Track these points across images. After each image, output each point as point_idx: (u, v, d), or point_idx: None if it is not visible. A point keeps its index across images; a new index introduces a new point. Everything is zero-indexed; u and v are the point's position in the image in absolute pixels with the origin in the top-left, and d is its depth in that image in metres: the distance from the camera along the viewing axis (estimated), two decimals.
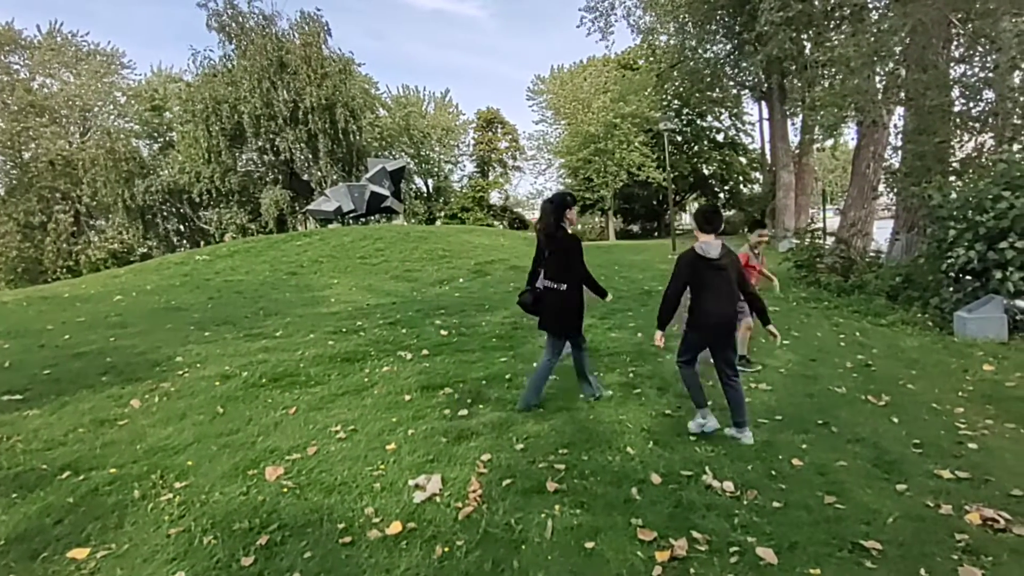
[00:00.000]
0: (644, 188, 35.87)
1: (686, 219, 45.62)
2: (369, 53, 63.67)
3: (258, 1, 36.73)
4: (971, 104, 11.34)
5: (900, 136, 12.99)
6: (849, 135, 26.32)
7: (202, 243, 31.46)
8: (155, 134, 37.89)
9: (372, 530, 2.99)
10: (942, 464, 3.73)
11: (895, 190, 12.76)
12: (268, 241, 18.16)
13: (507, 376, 5.64)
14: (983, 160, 10.78)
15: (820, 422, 4.49)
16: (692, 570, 2.64)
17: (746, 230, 6.61)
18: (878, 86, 13.00)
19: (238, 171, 32.06)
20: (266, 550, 2.86)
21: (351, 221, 22.74)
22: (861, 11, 14.54)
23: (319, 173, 30.83)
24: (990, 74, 10.77)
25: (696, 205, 41.82)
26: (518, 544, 2.85)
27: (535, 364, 6.01)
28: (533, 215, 51.38)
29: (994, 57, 10.63)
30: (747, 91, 29.76)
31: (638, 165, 33.27)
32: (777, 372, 5.92)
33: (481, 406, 4.85)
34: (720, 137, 38.94)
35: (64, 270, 30.91)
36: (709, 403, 4.22)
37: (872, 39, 12.19)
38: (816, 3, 16.49)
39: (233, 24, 30.19)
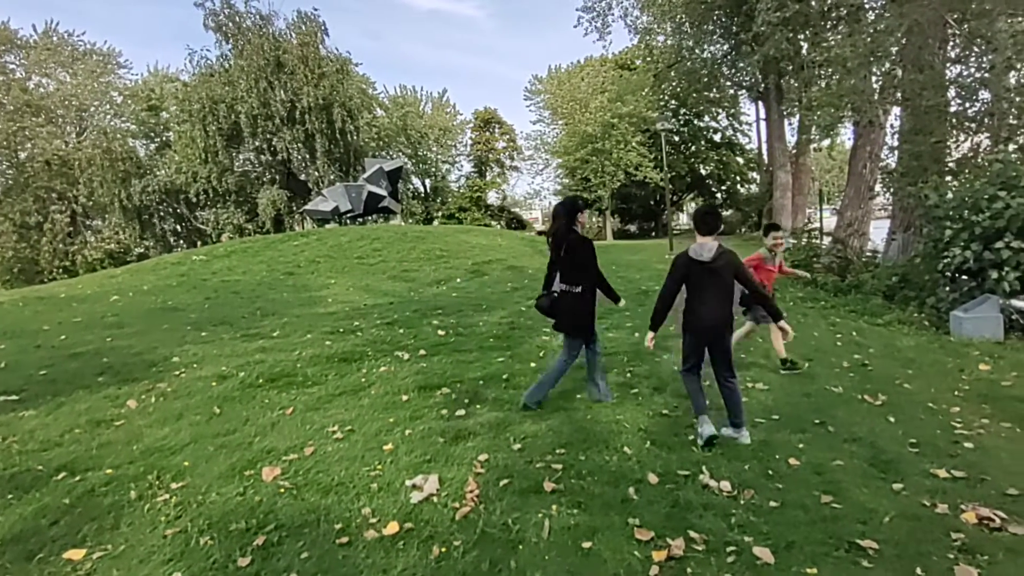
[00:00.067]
0: (641, 188, 35.93)
1: (683, 219, 45.75)
2: (366, 53, 63.90)
3: (255, 1, 36.57)
4: (967, 104, 11.38)
5: (896, 136, 13.04)
6: (846, 135, 26.34)
7: (199, 243, 31.41)
8: (152, 134, 37.82)
9: (369, 530, 2.98)
10: (938, 463, 3.74)
11: (891, 190, 12.78)
12: (265, 241, 18.12)
13: (504, 376, 5.63)
14: (979, 160, 10.82)
15: (817, 422, 4.49)
16: (689, 570, 2.64)
17: (760, 233, 6.63)
18: (874, 86, 13.03)
19: (235, 171, 31.98)
20: (263, 551, 2.85)
21: (348, 221, 22.70)
22: (858, 11, 14.56)
23: (316, 173, 30.79)
24: (986, 74, 10.80)
25: (694, 205, 41.94)
26: (515, 544, 2.86)
27: (532, 364, 6.04)
28: (531, 215, 51.50)
29: (990, 57, 10.65)
30: (744, 91, 29.82)
31: (635, 165, 33.30)
32: (774, 372, 5.92)
33: (478, 406, 4.85)
34: (717, 137, 39.03)
35: (60, 270, 30.83)
36: (710, 407, 4.16)
37: (868, 39, 12.21)
38: (813, 3, 16.51)
39: (230, 24, 30.14)
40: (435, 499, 3.29)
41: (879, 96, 12.80)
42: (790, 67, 21.43)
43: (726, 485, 3.39)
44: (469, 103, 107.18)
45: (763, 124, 29.50)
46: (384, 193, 23.05)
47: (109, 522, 3.19)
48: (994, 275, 7.99)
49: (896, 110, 13.25)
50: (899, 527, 2.97)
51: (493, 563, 2.71)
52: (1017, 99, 10.29)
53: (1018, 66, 10.21)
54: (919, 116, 11.50)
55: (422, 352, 6.59)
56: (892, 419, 4.65)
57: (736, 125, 38.39)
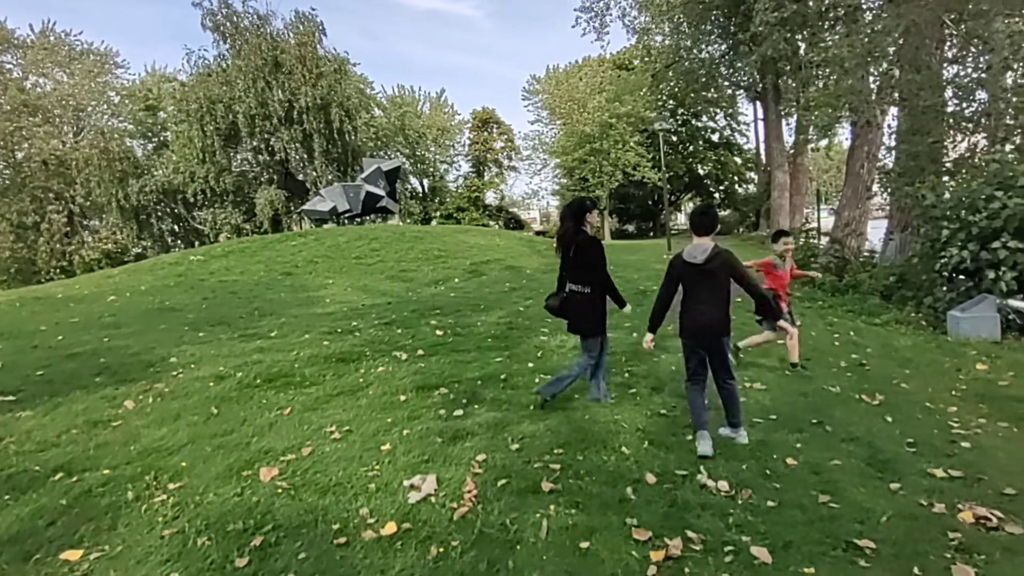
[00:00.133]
0: (639, 188, 35.93)
1: (681, 219, 45.72)
2: (364, 53, 63.88)
3: (253, 1, 36.49)
4: (964, 104, 11.42)
5: (894, 136, 13.08)
6: (843, 135, 26.42)
7: (197, 243, 31.37)
8: (149, 134, 37.76)
9: (367, 531, 2.98)
10: (935, 463, 3.75)
11: (889, 190, 12.82)
12: (263, 241, 18.11)
13: (502, 376, 5.63)
14: (976, 160, 10.85)
15: (814, 421, 4.50)
16: (687, 569, 2.64)
17: (769, 240, 6.65)
18: (872, 86, 13.06)
19: (233, 171, 31.95)
20: (260, 551, 2.85)
21: (346, 221, 22.69)
22: (855, 12, 14.59)
23: (314, 173, 30.77)
24: (983, 75, 10.84)
25: (692, 205, 41.96)
26: (513, 544, 2.85)
27: (530, 364, 6.04)
28: (529, 215, 51.49)
29: (987, 58, 10.69)
30: (742, 91, 29.85)
31: (633, 165, 33.30)
32: (771, 371, 5.93)
33: (476, 406, 4.85)
34: (715, 137, 39.04)
35: (58, 270, 30.77)
36: (708, 408, 4.12)
37: (866, 40, 12.24)
38: (810, 4, 16.54)
39: (228, 24, 30.11)
40: (433, 499, 3.29)
41: (876, 96, 12.83)
42: (788, 67, 21.47)
43: (724, 485, 3.39)
44: (467, 103, 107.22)
45: (761, 124, 29.56)
46: (382, 193, 23.04)
47: (106, 523, 3.18)
48: (991, 275, 8.02)
49: (894, 110, 13.29)
50: (896, 527, 2.97)
51: (491, 563, 2.70)
52: (1014, 99, 10.32)
53: (1015, 66, 10.25)
54: (916, 116, 11.54)
55: (420, 352, 6.59)
56: (889, 419, 4.66)
57: (734, 125, 38.42)
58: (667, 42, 26.43)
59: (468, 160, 48.32)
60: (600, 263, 4.61)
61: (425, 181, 46.63)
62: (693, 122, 37.87)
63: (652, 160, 32.94)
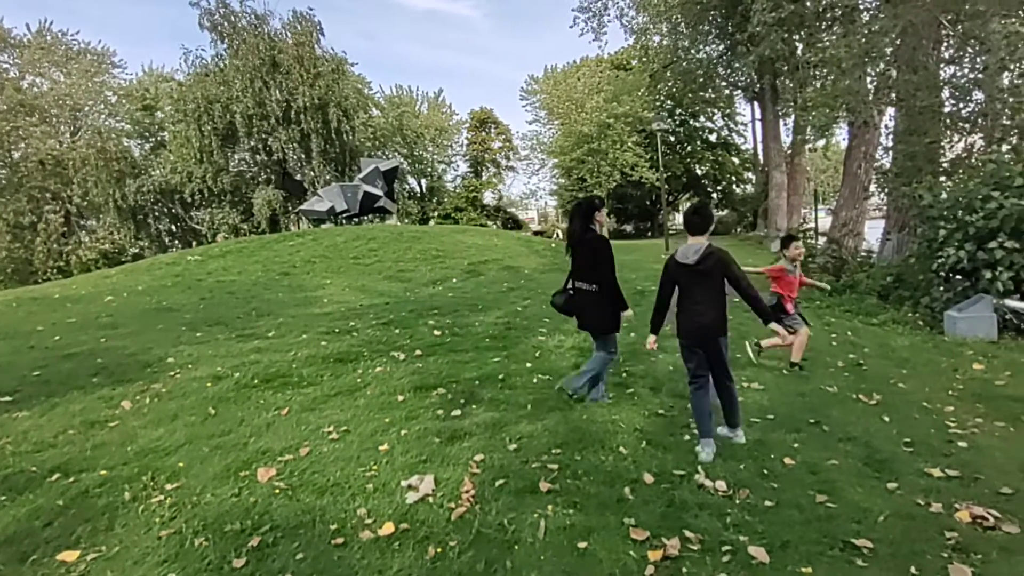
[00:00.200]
0: (637, 188, 35.97)
1: (679, 219, 45.75)
2: (362, 53, 63.76)
3: (250, 0, 36.44)
4: (961, 105, 11.43)
5: (891, 136, 13.09)
6: (841, 135, 26.53)
7: (194, 243, 31.32)
8: (146, 134, 37.68)
9: (365, 531, 2.98)
10: (932, 463, 3.76)
11: (886, 190, 12.84)
12: (261, 241, 18.08)
13: (500, 376, 5.63)
14: (973, 160, 10.87)
15: (812, 421, 4.51)
16: (684, 569, 2.65)
17: (779, 246, 6.68)
18: (869, 87, 13.08)
19: (230, 171, 31.92)
20: (258, 552, 2.84)
21: (344, 221, 22.67)
22: (852, 12, 14.63)
23: (312, 173, 30.73)
24: (979, 75, 10.86)
25: (690, 205, 41.96)
26: (511, 544, 2.85)
27: (528, 364, 6.04)
28: (527, 215, 51.51)
29: (983, 58, 10.71)
30: (740, 91, 29.93)
31: (631, 165, 33.33)
32: (769, 371, 5.94)
33: (474, 406, 4.85)
34: (713, 137, 39.10)
35: (54, 271, 30.70)
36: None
37: (863, 40, 12.26)
38: (808, 4, 16.58)
39: (225, 23, 30.06)
40: (431, 499, 3.28)
41: (874, 97, 12.86)
42: (785, 68, 21.50)
43: (722, 485, 3.40)
44: (465, 103, 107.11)
45: (759, 124, 29.63)
46: (380, 193, 23.02)
47: (103, 523, 3.17)
48: (988, 275, 8.03)
49: (891, 111, 13.31)
50: (893, 526, 2.98)
51: (489, 563, 2.70)
52: (1010, 100, 10.34)
53: (1011, 67, 10.27)
54: (913, 117, 11.56)
55: (418, 352, 6.58)
56: (887, 418, 4.67)
57: (732, 125, 38.49)
58: (665, 42, 26.47)
59: (466, 160, 48.36)
60: (607, 262, 4.60)
61: (423, 181, 46.62)
62: (691, 122, 37.92)
63: (650, 160, 32.97)
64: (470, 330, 7.71)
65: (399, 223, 29.27)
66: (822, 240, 16.07)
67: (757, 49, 18.49)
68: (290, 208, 30.94)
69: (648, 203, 40.34)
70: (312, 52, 30.64)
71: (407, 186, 44.00)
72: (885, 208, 14.12)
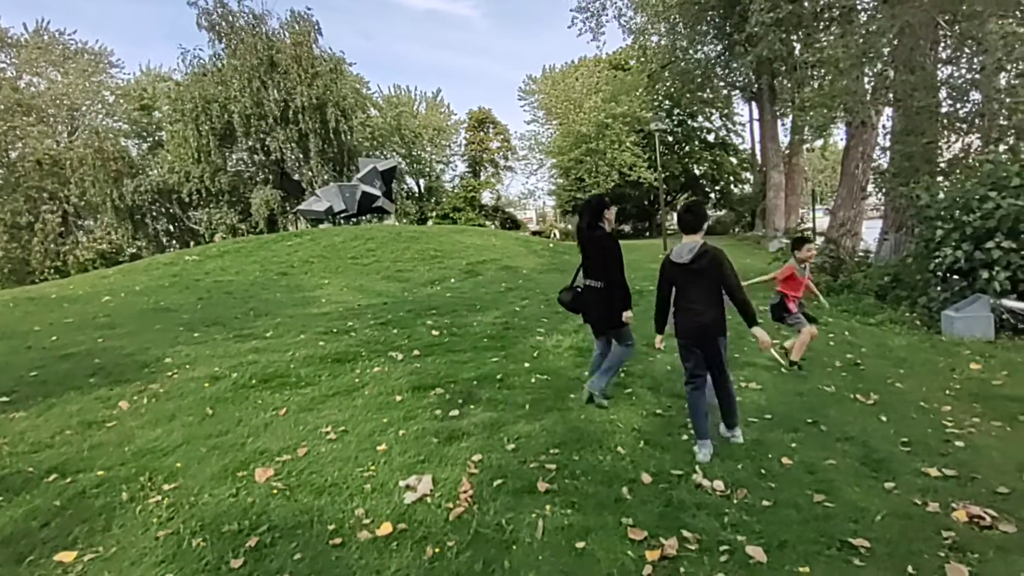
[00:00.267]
0: (635, 188, 35.99)
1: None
2: (360, 53, 63.79)
3: (248, 0, 36.39)
4: (958, 105, 11.46)
5: (888, 137, 13.11)
6: (838, 136, 26.60)
7: (192, 243, 31.27)
8: (144, 133, 37.64)
9: (362, 531, 2.98)
10: (929, 462, 3.76)
11: (884, 190, 12.86)
12: (258, 241, 18.06)
13: (498, 376, 5.63)
14: (970, 161, 10.89)
15: (809, 421, 4.51)
16: (682, 569, 2.65)
17: (790, 247, 6.68)
18: (867, 87, 13.10)
19: (228, 171, 31.89)
20: (255, 552, 2.84)
21: (342, 221, 22.66)
22: (850, 12, 14.65)
23: (310, 173, 30.72)
24: (977, 75, 10.88)
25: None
26: (509, 544, 2.85)
27: (526, 364, 6.04)
28: (525, 215, 51.54)
29: (980, 59, 10.73)
30: (737, 92, 29.98)
31: (629, 165, 33.37)
32: (767, 371, 5.95)
33: (472, 406, 4.84)
34: (711, 137, 39.12)
35: (52, 271, 30.65)
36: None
37: (861, 40, 12.28)
38: (806, 4, 16.61)
39: (223, 23, 30.04)
40: (429, 499, 3.28)
41: (871, 97, 12.88)
42: (783, 68, 21.56)
43: (719, 484, 3.40)
44: (463, 103, 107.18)
45: (756, 124, 29.71)
46: (378, 193, 23.02)
47: (100, 524, 3.17)
48: (985, 275, 8.05)
49: (888, 111, 13.32)
50: (891, 525, 2.98)
51: (487, 563, 2.70)
52: (1007, 100, 10.36)
53: (1008, 67, 10.29)
54: (911, 117, 11.58)
55: (416, 352, 6.58)
56: (884, 418, 4.67)
57: (730, 125, 38.54)
58: (663, 42, 26.52)
59: (464, 160, 48.40)
60: (616, 259, 4.61)
61: (421, 181, 46.63)
62: (689, 122, 37.94)
63: (648, 160, 33.00)
64: (468, 330, 7.71)
65: (397, 223, 29.27)
66: (820, 240, 16.08)
67: (755, 49, 18.52)
68: (288, 208, 30.93)
69: (646, 203, 40.35)
70: (310, 52, 30.65)
71: (405, 186, 44.01)
72: (883, 208, 14.15)
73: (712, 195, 40.87)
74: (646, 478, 3.50)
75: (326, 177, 30.12)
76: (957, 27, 11.31)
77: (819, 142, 29.13)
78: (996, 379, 5.96)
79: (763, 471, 3.62)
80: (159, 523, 3.13)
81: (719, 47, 24.93)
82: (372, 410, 4.81)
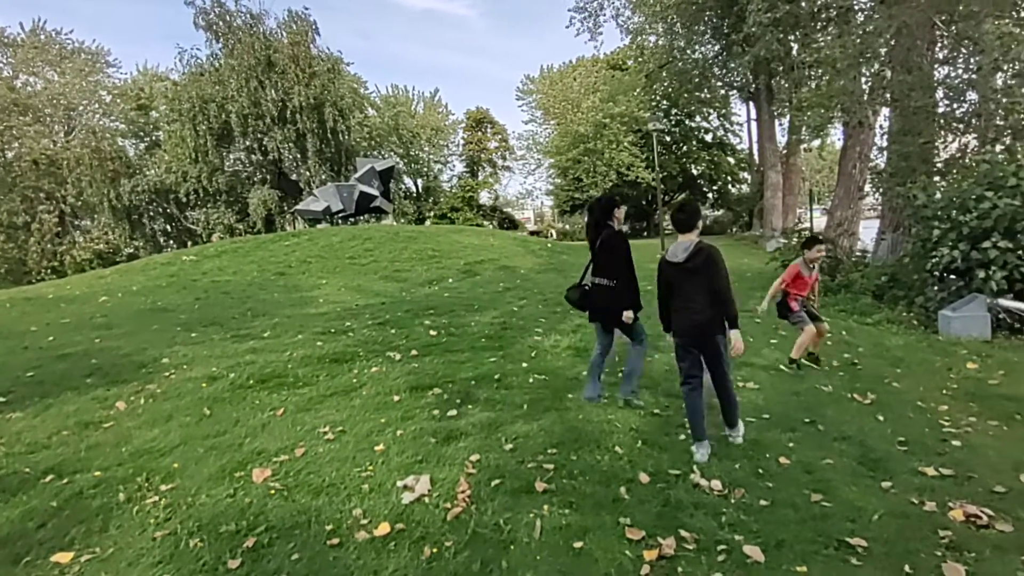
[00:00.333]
0: (633, 188, 35.98)
1: None
2: (357, 52, 63.70)
3: (245, 0, 36.35)
4: (955, 105, 11.48)
5: (885, 137, 13.14)
6: (836, 136, 26.61)
7: (189, 243, 31.21)
8: (141, 133, 37.57)
9: (360, 531, 2.97)
10: (926, 461, 3.77)
11: (881, 190, 12.89)
12: (256, 241, 18.03)
13: (496, 376, 5.63)
14: (967, 161, 10.91)
15: (807, 420, 4.52)
16: (680, 569, 2.65)
17: (801, 246, 6.70)
18: (864, 87, 13.12)
19: (226, 171, 31.83)
20: (253, 552, 2.84)
21: (340, 221, 22.63)
22: (847, 13, 14.68)
23: (307, 173, 30.68)
24: (973, 76, 10.90)
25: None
26: (507, 544, 2.85)
27: (524, 364, 6.04)
28: (523, 215, 51.57)
29: (977, 59, 10.75)
30: (735, 92, 30.01)
31: (627, 165, 33.38)
32: (764, 370, 5.95)
33: (470, 406, 4.84)
34: (709, 137, 39.14)
35: (48, 271, 30.57)
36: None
37: (858, 40, 12.30)
38: (803, 4, 16.63)
39: (220, 22, 29.98)
40: (426, 500, 3.28)
41: (868, 97, 12.89)
42: (780, 68, 21.60)
43: (717, 484, 3.40)
44: (461, 103, 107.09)
45: (754, 124, 29.76)
46: (376, 193, 22.99)
47: (97, 525, 3.16)
48: (981, 274, 8.06)
49: (885, 111, 13.35)
50: (888, 525, 2.99)
51: (484, 563, 2.70)
52: (1004, 100, 10.38)
53: (1005, 67, 10.31)
54: (908, 117, 11.60)
55: (414, 352, 6.58)
56: (881, 418, 4.68)
57: (727, 125, 38.57)
58: (661, 42, 26.56)
59: (462, 160, 48.36)
60: (624, 258, 4.62)
61: (419, 181, 46.59)
62: (687, 122, 37.97)
63: (646, 160, 33.04)
64: (466, 330, 7.71)
65: (395, 223, 29.26)
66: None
67: (752, 49, 18.55)
68: (286, 208, 30.89)
69: (644, 203, 40.35)
70: (308, 51, 30.60)
71: (403, 186, 43.96)
72: (880, 208, 14.18)
73: (710, 195, 40.91)
74: (644, 478, 3.50)
75: (324, 177, 30.07)
76: (954, 27, 11.33)
77: (816, 142, 29.23)
78: (993, 378, 5.98)
79: (761, 471, 3.63)
80: (156, 524, 3.13)
81: (716, 47, 24.97)
82: (370, 410, 4.80)
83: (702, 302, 3.81)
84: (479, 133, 46.92)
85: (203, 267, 14.99)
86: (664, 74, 28.27)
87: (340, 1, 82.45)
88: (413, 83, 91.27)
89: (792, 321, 6.13)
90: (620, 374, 5.67)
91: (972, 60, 11.20)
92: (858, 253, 13.63)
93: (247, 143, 30.13)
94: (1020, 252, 7.89)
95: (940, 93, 11.52)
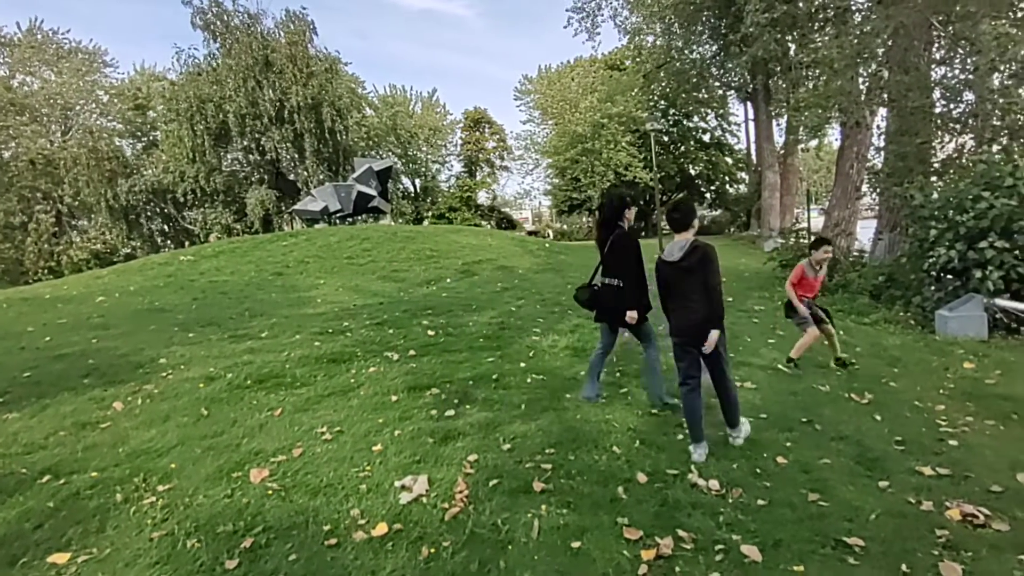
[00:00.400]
0: (631, 188, 35.99)
1: None
2: (355, 52, 63.45)
3: None
4: (952, 106, 11.50)
5: (883, 137, 13.17)
6: (833, 136, 26.58)
7: (187, 243, 31.15)
8: (138, 133, 37.52)
9: (358, 532, 2.97)
10: (923, 461, 3.78)
11: (878, 190, 12.90)
12: (254, 241, 18.00)
13: (494, 376, 5.63)
14: (963, 161, 10.93)
15: (804, 420, 4.53)
16: (678, 568, 2.65)
17: (808, 248, 6.70)
18: (861, 87, 13.14)
19: (223, 171, 31.78)
20: (250, 553, 2.83)
21: (338, 221, 22.60)
22: (844, 13, 14.69)
23: (305, 173, 30.65)
24: (970, 76, 10.93)
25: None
26: (505, 544, 2.86)
27: (522, 364, 6.04)
28: (521, 215, 51.60)
29: (974, 59, 10.77)
30: (733, 92, 30.00)
31: (625, 165, 33.40)
32: (762, 370, 5.96)
33: (468, 406, 4.85)
34: (706, 137, 39.17)
35: (46, 271, 30.53)
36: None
37: (855, 41, 12.32)
38: (800, 5, 16.63)
39: (218, 22, 29.93)
40: (424, 500, 3.28)
41: (865, 97, 12.91)
42: (778, 68, 21.59)
43: (714, 484, 3.41)
44: (459, 103, 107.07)
45: (752, 125, 29.75)
46: (374, 193, 22.97)
47: (94, 525, 3.15)
48: (978, 274, 8.07)
49: (882, 111, 13.37)
50: (885, 524, 2.99)
51: (482, 563, 2.70)
52: (1001, 100, 10.40)
53: (1001, 68, 10.33)
54: (905, 117, 11.61)
55: (412, 352, 6.57)
56: (878, 417, 4.69)
57: (725, 126, 38.59)
58: (658, 43, 26.55)
59: (460, 160, 48.40)
60: (633, 258, 4.62)
61: (417, 181, 46.58)
62: (684, 122, 37.99)
63: (644, 160, 33.07)
64: (464, 330, 7.71)
65: (393, 223, 29.20)
66: (813, 239, 16.13)
67: (750, 50, 18.56)
68: (283, 208, 30.85)
69: (642, 203, 40.33)
70: (305, 51, 30.57)
71: (401, 186, 43.93)
72: (877, 208, 14.19)
73: (708, 195, 40.92)
74: (642, 478, 3.50)
75: (321, 177, 30.04)
76: (951, 28, 11.35)
77: (814, 142, 29.25)
78: (989, 378, 5.99)
79: (758, 470, 3.63)
80: (153, 524, 3.13)
81: (714, 47, 24.97)
82: (368, 410, 4.80)
83: (700, 300, 3.79)
84: (477, 133, 46.96)
85: (200, 267, 14.96)
86: (662, 74, 28.28)
87: (338, 1, 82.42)
88: (411, 83, 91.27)
89: (796, 323, 6.14)
90: (618, 374, 5.69)
91: (969, 60, 11.22)
92: (855, 253, 13.63)
93: (245, 143, 30.10)
94: (1017, 252, 7.90)
95: (937, 93, 11.55)
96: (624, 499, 3.27)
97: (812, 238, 9.18)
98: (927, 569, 2.62)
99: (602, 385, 5.09)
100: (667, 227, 4.08)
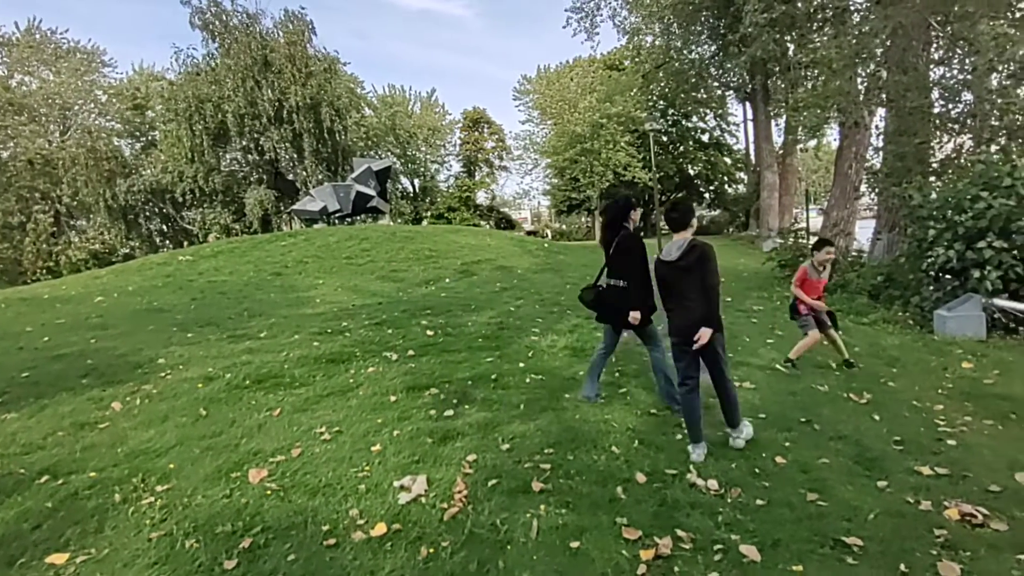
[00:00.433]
0: (630, 188, 35.99)
1: None
2: (354, 52, 63.50)
3: None
4: (950, 106, 11.51)
5: (881, 137, 13.17)
6: (832, 136, 26.63)
7: (185, 243, 31.12)
8: (137, 133, 37.47)
9: (357, 532, 2.97)
10: (922, 461, 3.78)
11: (876, 190, 12.90)
12: (252, 241, 17.99)
13: (493, 376, 5.63)
14: (962, 161, 10.94)
15: (803, 420, 4.53)
16: (676, 568, 2.66)
17: (811, 249, 6.70)
18: (860, 88, 13.15)
19: (222, 171, 31.73)
20: (249, 553, 2.83)
21: (337, 221, 22.59)
22: (843, 13, 14.70)
23: (304, 173, 30.62)
24: (969, 76, 10.94)
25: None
26: (503, 544, 2.86)
27: (521, 364, 6.04)
28: (520, 215, 51.64)
29: (972, 60, 10.78)
30: (732, 92, 30.03)
31: (624, 165, 33.40)
32: (761, 370, 5.96)
33: (467, 406, 4.85)
34: (705, 137, 39.19)
35: (44, 271, 30.47)
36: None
37: (854, 41, 12.33)
38: (799, 5, 16.64)
39: (217, 22, 29.88)
40: (423, 500, 3.28)
41: (864, 97, 12.93)
42: (777, 68, 21.61)
43: (713, 484, 3.41)
44: (458, 103, 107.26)
45: (750, 125, 29.78)
46: (373, 193, 22.95)
47: (93, 526, 3.15)
48: (976, 274, 8.08)
49: (881, 111, 13.38)
50: (883, 524, 3.00)
51: (481, 563, 2.70)
52: (999, 101, 10.41)
53: (1000, 68, 10.34)
54: (903, 117, 11.62)
55: (410, 352, 6.57)
56: (877, 417, 4.69)
57: (724, 126, 38.62)
58: (657, 43, 26.55)
59: (459, 160, 48.42)
60: (638, 260, 4.61)
61: (416, 181, 46.58)
62: (683, 122, 38.00)
63: (642, 160, 33.09)
64: (463, 330, 7.71)
65: (392, 223, 29.18)
66: (813, 240, 16.15)
67: (749, 50, 18.56)
68: (282, 208, 30.82)
69: (641, 203, 40.39)
70: (304, 51, 30.52)
71: (400, 186, 43.91)
72: (875, 208, 14.20)
73: (706, 195, 40.95)
74: (640, 478, 3.50)
75: (320, 177, 30.01)
76: (949, 28, 11.36)
77: (812, 142, 29.32)
78: (988, 378, 5.99)
79: (757, 470, 3.63)
80: (152, 524, 3.12)
81: (713, 47, 24.97)
82: (366, 410, 4.80)
83: (697, 300, 3.78)
84: (476, 133, 46.97)
85: (199, 267, 14.94)
86: (661, 74, 28.29)
87: (336, 1, 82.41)
88: (410, 83, 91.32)
89: (799, 325, 6.15)
90: (618, 374, 5.69)
91: (967, 61, 11.23)
92: (854, 253, 13.64)
93: (243, 143, 30.06)
94: (1015, 252, 7.91)
95: (936, 94, 11.55)
96: (623, 499, 3.27)
97: (812, 238, 9.18)
98: (925, 569, 2.63)
99: (601, 385, 5.09)
100: (666, 227, 4.08)
